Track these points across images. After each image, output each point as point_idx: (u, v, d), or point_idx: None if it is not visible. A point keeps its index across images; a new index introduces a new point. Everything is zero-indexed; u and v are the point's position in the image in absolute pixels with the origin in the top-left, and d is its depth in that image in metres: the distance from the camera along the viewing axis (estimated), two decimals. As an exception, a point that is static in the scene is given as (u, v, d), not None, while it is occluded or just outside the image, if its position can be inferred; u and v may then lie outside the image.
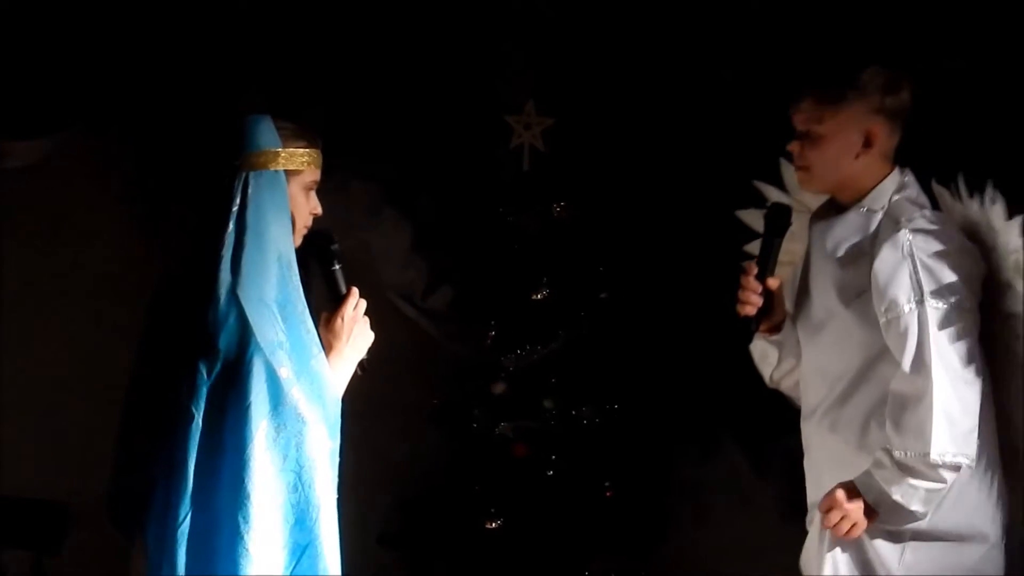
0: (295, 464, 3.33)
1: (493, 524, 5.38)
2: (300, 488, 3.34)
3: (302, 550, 3.35)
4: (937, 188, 3.84)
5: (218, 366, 3.31)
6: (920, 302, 3.61)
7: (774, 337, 3.98)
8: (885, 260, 3.66)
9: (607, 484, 5.35)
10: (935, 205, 3.88)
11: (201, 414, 3.32)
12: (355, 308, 3.58)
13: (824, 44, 5.21)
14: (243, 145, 3.46)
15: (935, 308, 3.61)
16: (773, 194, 4.27)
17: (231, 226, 3.37)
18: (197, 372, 3.32)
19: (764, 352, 4.03)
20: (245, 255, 3.34)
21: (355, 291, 3.59)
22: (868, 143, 3.78)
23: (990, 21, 5.10)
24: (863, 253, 3.73)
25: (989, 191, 3.73)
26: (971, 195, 3.76)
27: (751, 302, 3.89)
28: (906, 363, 3.56)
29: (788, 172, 4.18)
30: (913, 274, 3.64)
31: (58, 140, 5.55)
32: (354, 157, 5.36)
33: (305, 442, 3.34)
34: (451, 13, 5.54)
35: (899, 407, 3.58)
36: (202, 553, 3.29)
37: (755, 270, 3.89)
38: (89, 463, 5.33)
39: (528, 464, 5.40)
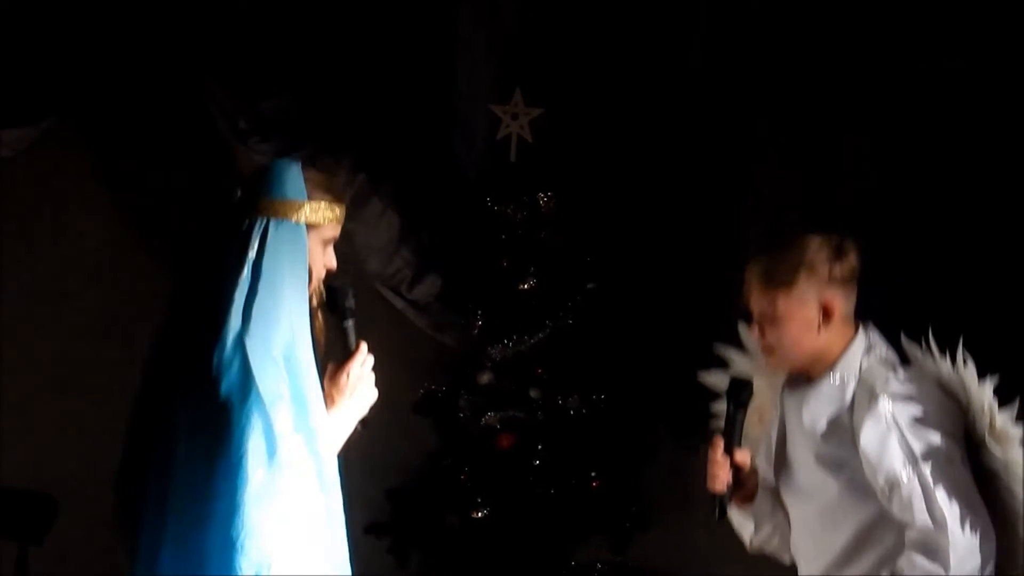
0: (287, 517, 3.27)
1: (479, 514, 5.42)
2: (291, 540, 3.27)
3: None
4: (907, 343, 3.81)
5: (216, 411, 3.28)
6: (916, 467, 3.61)
7: (748, 507, 3.95)
8: (871, 433, 3.65)
9: (593, 474, 5.38)
10: (903, 358, 3.87)
11: (191, 457, 3.28)
12: (362, 365, 3.54)
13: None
14: (267, 190, 3.43)
15: (933, 468, 3.61)
16: (734, 357, 4.21)
17: (246, 272, 3.33)
18: (193, 414, 3.30)
19: (741, 522, 3.99)
20: (257, 303, 3.31)
21: (364, 347, 3.55)
22: (827, 315, 3.77)
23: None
24: (842, 425, 3.70)
25: (960, 351, 3.71)
26: (943, 354, 3.74)
27: (721, 478, 3.84)
28: (920, 524, 3.57)
29: (746, 332, 4.14)
30: (902, 441, 3.63)
31: (45, 128, 5.53)
32: (339, 148, 5.38)
33: (297, 495, 3.29)
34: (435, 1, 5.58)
35: (916, 563, 3.60)
36: None
37: (722, 444, 3.83)
38: (76, 455, 5.44)
39: (514, 454, 5.44)
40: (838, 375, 3.75)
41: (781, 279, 3.74)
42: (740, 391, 3.81)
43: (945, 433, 3.63)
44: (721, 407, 4.01)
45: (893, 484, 3.60)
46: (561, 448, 5.40)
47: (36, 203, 5.89)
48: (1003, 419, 3.62)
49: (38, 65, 5.39)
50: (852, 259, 3.78)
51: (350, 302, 3.57)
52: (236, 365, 3.26)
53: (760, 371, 3.97)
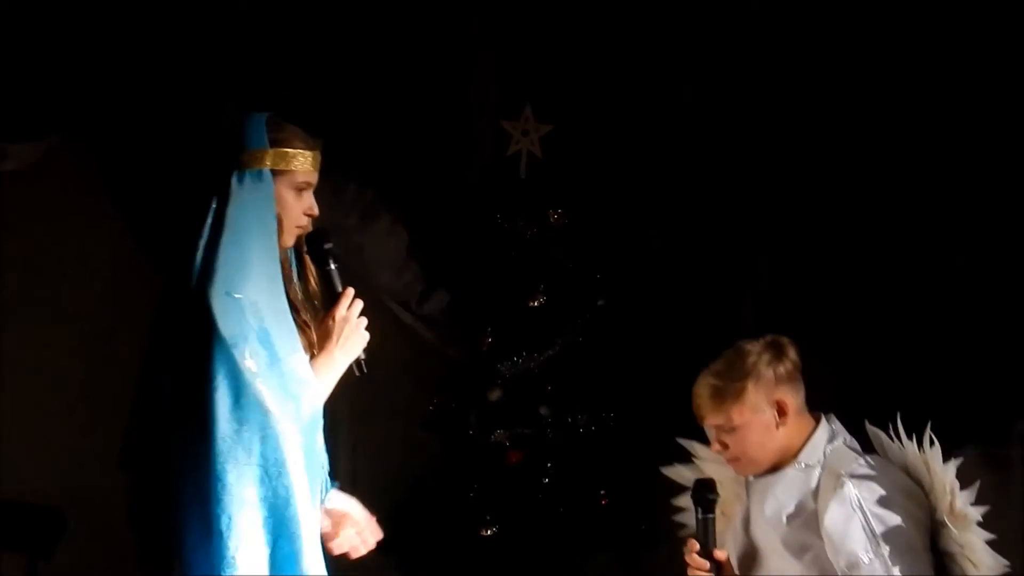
0: (260, 458, 3.32)
1: (488, 531, 5.39)
2: (268, 481, 3.34)
3: (275, 542, 3.35)
4: (871, 430, 3.92)
5: (185, 360, 3.33)
6: (878, 550, 3.68)
7: None
8: (835, 516, 3.72)
9: (603, 492, 5.36)
10: (865, 447, 3.96)
11: (178, 409, 3.33)
12: (348, 308, 3.57)
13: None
14: (230, 143, 3.49)
15: (892, 553, 3.68)
16: (699, 451, 4.29)
17: (209, 222, 3.39)
18: (168, 372, 3.36)
19: None
20: (220, 252, 3.36)
21: (350, 291, 3.59)
22: (782, 413, 3.85)
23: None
24: (807, 510, 3.78)
25: (927, 434, 3.81)
26: (909, 438, 3.84)
27: None
28: None
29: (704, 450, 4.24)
30: (866, 526, 3.70)
31: (54, 142, 5.54)
32: (350, 162, 5.39)
33: (271, 436, 3.34)
34: (445, 16, 5.58)
35: None
36: (191, 548, 3.32)
37: (697, 546, 3.89)
38: (84, 468, 5.34)
39: (523, 471, 5.42)
40: (802, 463, 3.84)
41: (730, 393, 3.84)
42: (705, 492, 3.86)
43: (908, 517, 3.72)
44: (685, 501, 4.11)
45: (853, 566, 3.67)
46: (570, 465, 5.38)
47: (43, 216, 5.85)
48: (963, 501, 3.71)
49: (46, 79, 5.38)
50: (792, 355, 3.91)
51: (329, 245, 3.62)
52: (198, 313, 3.31)
53: (725, 465, 4.02)
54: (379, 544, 5.43)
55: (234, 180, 3.43)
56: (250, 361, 3.32)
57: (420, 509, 5.55)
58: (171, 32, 5.42)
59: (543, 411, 5.46)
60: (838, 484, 3.72)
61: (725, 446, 3.91)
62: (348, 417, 5.26)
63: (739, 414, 3.84)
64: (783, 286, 5.55)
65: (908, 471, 3.83)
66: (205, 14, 5.41)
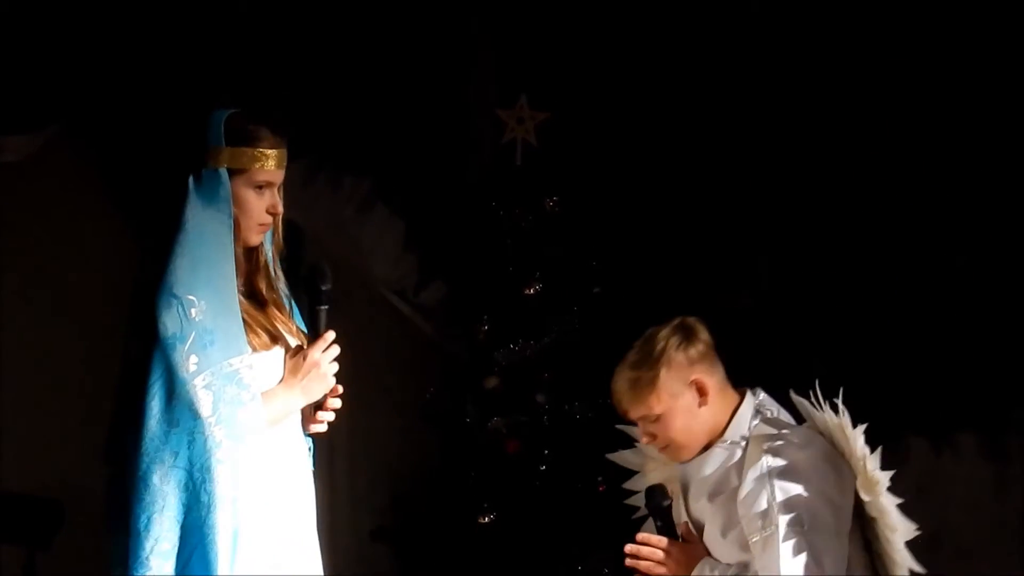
0: (186, 462, 3.31)
1: (486, 519, 5.41)
2: (192, 486, 3.32)
3: (191, 551, 3.34)
4: (796, 398, 3.88)
5: (131, 358, 3.34)
6: (773, 520, 3.66)
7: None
8: (748, 487, 3.70)
9: (600, 479, 5.35)
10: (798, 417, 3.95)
11: (129, 410, 3.32)
12: (323, 352, 3.54)
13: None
14: (193, 141, 3.47)
15: (790, 526, 3.65)
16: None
17: (167, 222, 3.39)
18: (123, 369, 3.37)
19: None
20: (174, 251, 3.36)
21: (330, 335, 3.57)
22: (702, 392, 3.83)
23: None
24: (731, 487, 3.77)
25: (840, 403, 3.78)
26: (827, 403, 3.80)
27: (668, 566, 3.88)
28: (766, 570, 3.65)
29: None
30: (771, 496, 3.67)
31: (51, 135, 5.56)
32: (346, 153, 5.41)
33: (199, 441, 3.32)
34: (441, 5, 5.60)
35: None
36: (120, 551, 3.32)
37: (660, 539, 3.88)
38: (82, 461, 5.39)
39: (521, 459, 5.43)
40: (728, 439, 3.81)
41: (645, 383, 3.80)
42: (657, 498, 3.86)
43: (822, 496, 3.67)
44: (634, 485, 4.13)
45: (759, 538, 3.65)
46: (568, 453, 5.39)
47: (40, 209, 5.89)
48: (872, 464, 3.66)
49: (42, 72, 5.40)
50: (703, 335, 3.87)
51: (327, 286, 3.57)
52: (144, 313, 3.32)
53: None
54: (378, 532, 5.56)
55: (191, 179, 3.42)
56: (187, 363, 3.31)
57: (418, 498, 5.61)
58: (169, 25, 5.44)
59: (540, 399, 5.47)
60: (757, 458, 3.72)
61: (653, 436, 3.89)
62: (347, 407, 5.31)
63: (658, 402, 3.81)
64: (781, 275, 5.60)
65: (832, 439, 3.79)
66: (202, 5, 5.43)
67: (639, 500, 4.06)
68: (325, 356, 3.51)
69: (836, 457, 3.74)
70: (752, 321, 5.55)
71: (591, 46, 5.63)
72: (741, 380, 3.99)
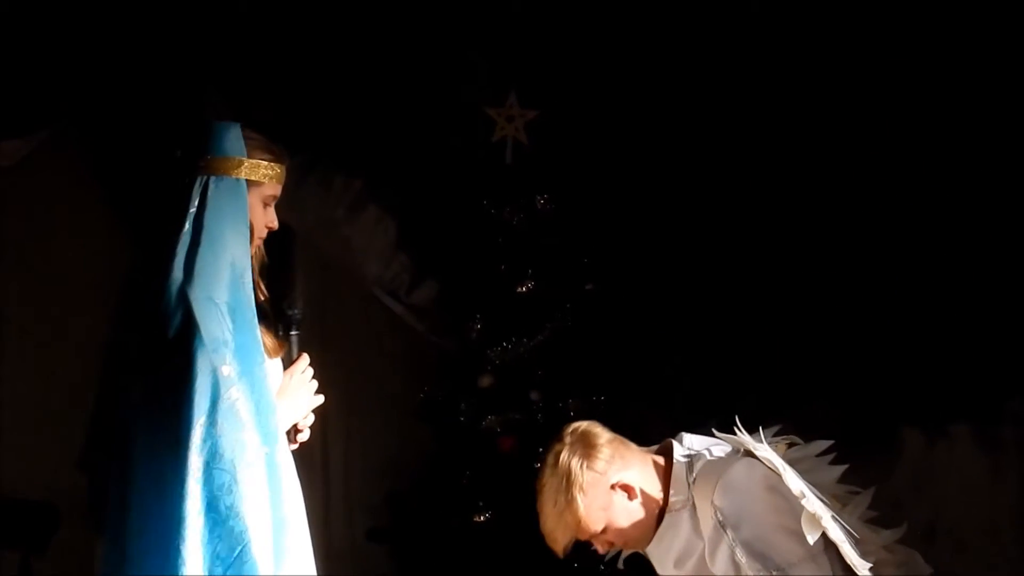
0: (230, 464, 3.32)
1: (481, 517, 5.42)
2: (235, 489, 3.32)
3: (234, 554, 3.33)
4: (719, 435, 3.86)
5: (164, 361, 3.31)
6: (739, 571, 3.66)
7: None
8: (713, 551, 3.67)
9: (594, 476, 5.39)
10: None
11: (149, 409, 3.32)
12: (303, 372, 3.57)
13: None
14: (207, 148, 3.47)
15: (757, 561, 3.63)
16: None
17: (187, 226, 3.39)
18: (144, 368, 3.34)
19: None
20: (199, 256, 3.36)
21: (305, 358, 3.59)
22: (627, 490, 3.78)
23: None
24: (698, 549, 3.73)
25: (763, 434, 3.77)
26: (751, 432, 3.80)
27: None
28: None
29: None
30: (737, 555, 3.63)
31: (42, 139, 5.55)
32: (336, 153, 5.42)
33: (240, 443, 3.33)
34: (430, 5, 5.60)
35: None
36: (144, 551, 3.29)
37: None
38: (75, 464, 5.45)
39: (515, 457, 5.42)
40: (674, 509, 3.76)
41: (571, 514, 3.74)
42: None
43: (782, 530, 3.65)
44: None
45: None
46: (562, 450, 5.42)
47: (34, 212, 5.88)
48: (809, 504, 3.62)
49: (34, 77, 5.41)
50: (601, 439, 3.79)
51: (294, 311, 3.61)
52: (180, 315, 3.31)
53: None
54: (373, 531, 5.55)
55: (212, 185, 3.43)
56: (227, 367, 3.32)
57: (414, 496, 5.62)
58: (162, 27, 5.44)
59: (534, 396, 5.49)
60: (705, 512, 3.69)
61: (610, 543, 3.86)
62: (342, 406, 5.31)
63: (593, 521, 3.77)
64: (772, 269, 5.59)
65: (766, 463, 3.77)
66: (195, 5, 5.45)
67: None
68: (303, 376, 3.56)
69: (777, 481, 3.71)
70: (743, 319, 5.56)
71: (580, 43, 5.65)
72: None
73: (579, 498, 3.72)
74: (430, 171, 5.74)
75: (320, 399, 3.54)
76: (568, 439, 3.82)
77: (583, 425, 3.86)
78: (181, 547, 3.22)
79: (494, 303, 5.60)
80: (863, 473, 3.95)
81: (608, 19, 5.63)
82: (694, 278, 5.62)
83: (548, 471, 3.82)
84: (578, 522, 3.76)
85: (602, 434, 3.82)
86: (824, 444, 3.90)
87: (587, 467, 3.74)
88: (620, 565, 4.10)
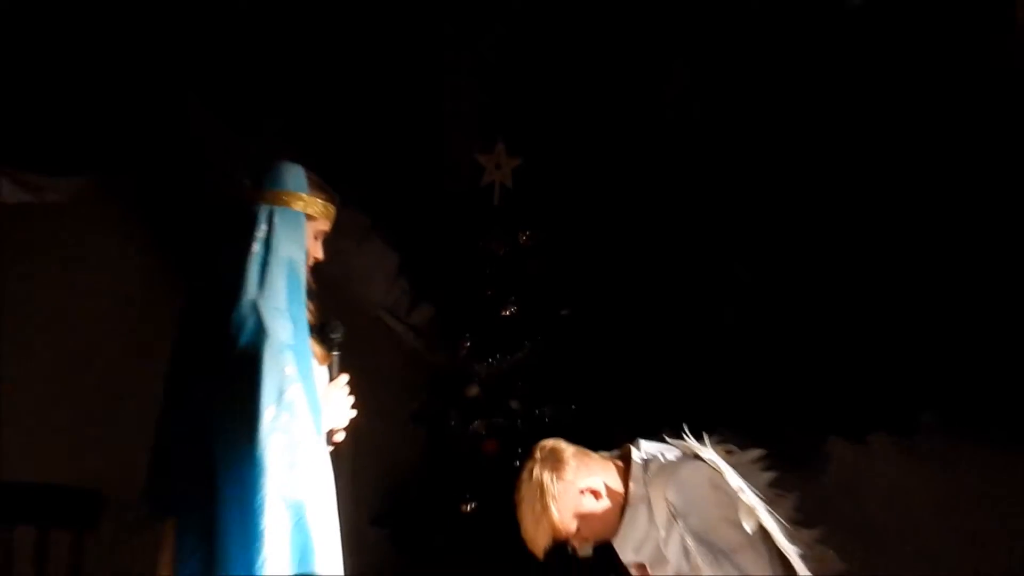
0: (293, 446, 3.43)
1: (468, 507, 5.56)
2: (296, 468, 3.44)
3: (295, 520, 3.45)
4: (671, 440, 3.99)
5: (234, 363, 3.45)
6: (690, 558, 3.76)
7: None
8: (667, 539, 3.79)
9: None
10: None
11: (219, 404, 3.48)
12: (342, 387, 3.75)
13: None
14: (272, 182, 3.65)
15: (718, 558, 3.76)
16: None
17: (257, 247, 3.54)
18: (217, 368, 3.49)
19: None
20: (268, 272, 3.51)
21: (345, 376, 3.75)
22: (593, 492, 3.91)
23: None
24: (654, 538, 3.82)
25: (706, 438, 3.91)
26: (698, 439, 3.93)
27: None
28: None
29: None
30: (688, 542, 3.77)
31: (90, 178, 5.71)
32: (346, 193, 5.45)
33: (300, 429, 3.45)
34: (429, 73, 5.78)
35: None
36: (225, 528, 3.43)
37: None
38: (118, 456, 5.25)
39: (497, 456, 5.58)
40: (633, 504, 3.92)
41: (545, 520, 3.90)
42: (615, 558, 3.98)
43: (726, 521, 3.81)
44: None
45: (678, 571, 3.80)
46: (538, 451, 5.43)
47: (80, 242, 5.94)
48: (747, 496, 3.79)
49: (83, 122, 5.57)
50: (567, 453, 3.96)
51: (336, 335, 3.76)
52: (252, 320, 3.45)
53: None
54: (376, 518, 5.62)
55: (276, 214, 3.59)
56: (290, 367, 3.46)
57: (410, 489, 5.75)
58: (182, 74, 5.61)
59: (514, 404, 5.62)
60: (659, 506, 3.82)
61: (586, 539, 3.95)
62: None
63: (566, 524, 3.88)
64: (711, 304, 5.80)
65: (709, 463, 3.89)
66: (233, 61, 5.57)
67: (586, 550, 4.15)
68: (341, 392, 3.75)
69: (721, 479, 3.84)
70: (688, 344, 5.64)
71: (559, 101, 5.82)
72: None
73: (552, 505, 3.87)
74: (428, 209, 5.84)
75: (354, 413, 3.75)
76: (539, 455, 3.97)
77: (550, 442, 4.00)
78: (261, 509, 3.37)
79: (481, 324, 5.69)
80: (795, 476, 4.11)
81: (580, 84, 5.80)
82: (651, 306, 5.75)
83: (524, 485, 3.94)
84: (554, 525, 3.90)
85: (567, 448, 3.97)
86: (757, 452, 4.02)
87: (557, 479, 3.89)
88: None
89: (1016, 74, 5.29)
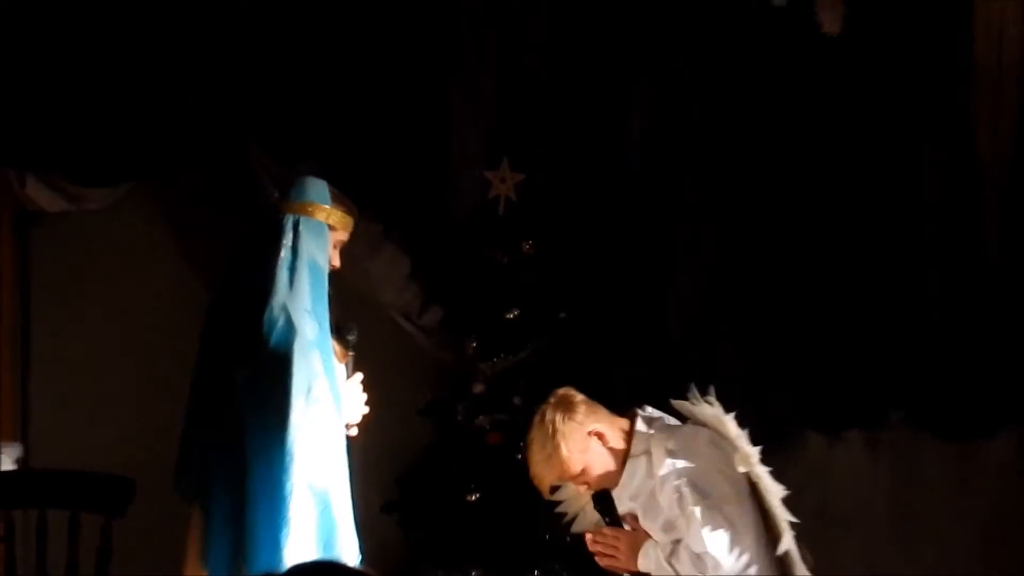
0: (320, 434, 3.62)
1: (472, 497, 5.65)
2: (322, 455, 3.63)
3: (325, 504, 3.65)
4: (676, 403, 4.17)
5: (267, 358, 3.62)
6: (686, 509, 3.96)
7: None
8: (664, 484, 3.98)
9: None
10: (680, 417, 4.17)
11: (251, 397, 3.63)
12: (357, 384, 3.91)
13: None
14: (298, 194, 3.84)
15: (704, 509, 3.94)
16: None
17: (285, 253, 3.72)
18: (249, 363, 3.65)
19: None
20: (296, 276, 3.69)
21: (359, 376, 3.92)
22: (600, 437, 4.09)
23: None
24: (650, 487, 4.02)
25: (712, 396, 4.08)
26: (702, 400, 4.10)
27: (621, 549, 4.10)
28: (695, 544, 3.99)
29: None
30: (680, 489, 3.96)
31: (128, 188, 5.85)
32: (361, 203, 5.36)
33: (328, 424, 3.65)
34: (439, 95, 5.94)
35: (682, 557, 4.02)
36: (254, 513, 3.60)
37: (613, 530, 4.13)
38: (148, 445, 5.58)
39: (501, 449, 5.66)
40: (635, 455, 4.10)
41: (553, 458, 4.08)
42: (605, 502, 4.21)
43: (720, 474, 4.00)
44: (570, 505, 4.40)
45: (675, 518, 4.00)
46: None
47: (117, 249, 6.17)
48: (744, 443, 4.03)
49: (119, 135, 5.66)
50: (578, 398, 4.13)
51: (352, 336, 3.94)
52: (283, 320, 3.62)
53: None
54: (385, 506, 5.83)
55: (302, 223, 3.77)
56: (317, 363, 3.65)
57: (419, 479, 5.85)
58: (215, 90, 5.72)
59: (517, 401, 5.68)
60: (660, 459, 4.01)
61: (586, 483, 4.13)
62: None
63: (572, 464, 4.06)
64: (698, 291, 5.91)
65: (711, 427, 4.10)
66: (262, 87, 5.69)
67: (566, 508, 4.39)
68: (358, 389, 3.93)
69: (718, 439, 4.07)
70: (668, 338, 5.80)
71: (559, 121, 5.95)
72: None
73: (562, 444, 4.05)
74: (439, 220, 5.95)
75: (367, 409, 3.93)
76: (552, 400, 4.15)
77: (562, 390, 4.19)
78: (290, 495, 3.54)
79: (486, 326, 5.81)
80: (775, 466, 4.19)
81: (577, 105, 5.95)
82: (642, 309, 5.89)
83: (536, 427, 4.12)
84: (562, 463, 4.05)
85: (577, 395, 4.16)
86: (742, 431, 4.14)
87: (568, 419, 4.08)
88: (565, 506, 4.36)
89: (976, 70, 5.39)
